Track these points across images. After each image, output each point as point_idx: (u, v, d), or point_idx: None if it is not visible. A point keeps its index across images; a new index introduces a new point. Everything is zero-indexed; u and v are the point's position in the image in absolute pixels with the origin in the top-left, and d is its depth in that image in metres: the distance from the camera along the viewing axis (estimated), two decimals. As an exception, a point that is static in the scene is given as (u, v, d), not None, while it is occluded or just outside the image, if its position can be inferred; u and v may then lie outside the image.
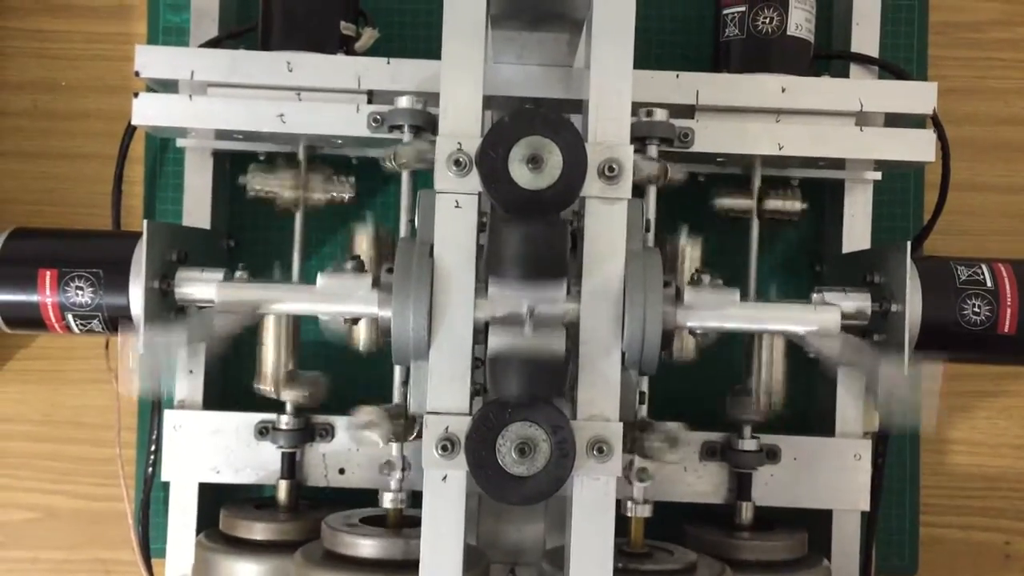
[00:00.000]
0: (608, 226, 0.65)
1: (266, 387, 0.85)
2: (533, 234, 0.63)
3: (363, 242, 0.80)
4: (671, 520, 0.86)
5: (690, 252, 0.80)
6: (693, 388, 0.87)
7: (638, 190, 0.74)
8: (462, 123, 0.65)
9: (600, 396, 0.64)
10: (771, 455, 0.88)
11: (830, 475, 0.88)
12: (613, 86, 0.66)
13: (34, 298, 0.79)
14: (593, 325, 0.65)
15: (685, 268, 0.80)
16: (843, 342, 0.71)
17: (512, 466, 0.61)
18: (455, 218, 0.65)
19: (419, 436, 0.75)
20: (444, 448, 0.63)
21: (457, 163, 0.64)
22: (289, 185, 0.86)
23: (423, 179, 0.73)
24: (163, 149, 0.96)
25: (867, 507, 0.88)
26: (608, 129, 0.65)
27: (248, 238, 0.95)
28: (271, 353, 0.85)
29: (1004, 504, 0.99)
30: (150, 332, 0.74)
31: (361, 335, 0.80)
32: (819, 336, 0.70)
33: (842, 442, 0.88)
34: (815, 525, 0.88)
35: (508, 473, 0.61)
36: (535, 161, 0.61)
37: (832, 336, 0.70)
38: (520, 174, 0.61)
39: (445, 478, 0.64)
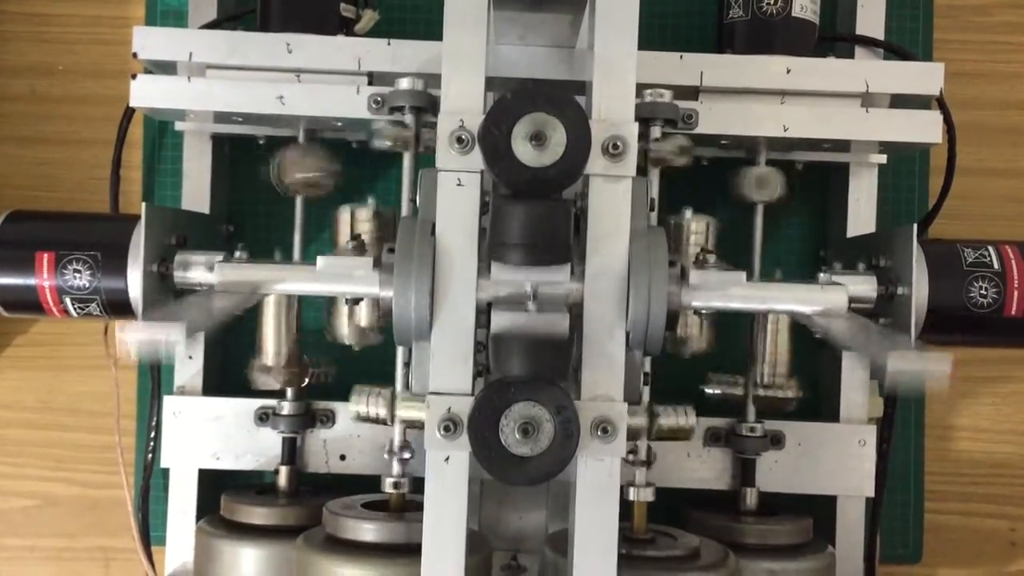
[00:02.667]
0: (612, 204, 0.64)
1: (266, 377, 0.85)
2: (536, 215, 0.62)
3: (362, 221, 0.79)
4: (674, 506, 0.85)
5: (695, 232, 0.80)
6: (698, 373, 0.87)
7: (644, 169, 0.73)
8: (464, 100, 0.65)
9: (604, 376, 0.64)
10: (775, 441, 0.87)
11: (834, 461, 0.87)
12: (617, 63, 0.65)
13: (31, 281, 0.79)
14: (597, 304, 0.64)
15: (690, 248, 0.79)
16: (849, 321, 0.70)
17: (515, 446, 0.60)
18: (457, 196, 0.64)
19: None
20: (447, 429, 0.62)
21: (459, 140, 0.64)
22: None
23: (427, 161, 0.73)
24: (162, 134, 0.95)
25: (871, 493, 0.87)
26: (612, 106, 0.65)
27: (247, 223, 0.95)
28: (271, 342, 0.84)
29: (1009, 491, 0.98)
30: (149, 321, 0.71)
31: (362, 317, 0.80)
32: (826, 316, 0.69)
33: (846, 428, 0.88)
34: (819, 511, 0.88)
35: (511, 453, 0.60)
36: (538, 138, 0.60)
37: (839, 316, 0.69)
38: (523, 151, 0.60)
39: (448, 459, 0.63)
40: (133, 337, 0.57)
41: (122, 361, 0.92)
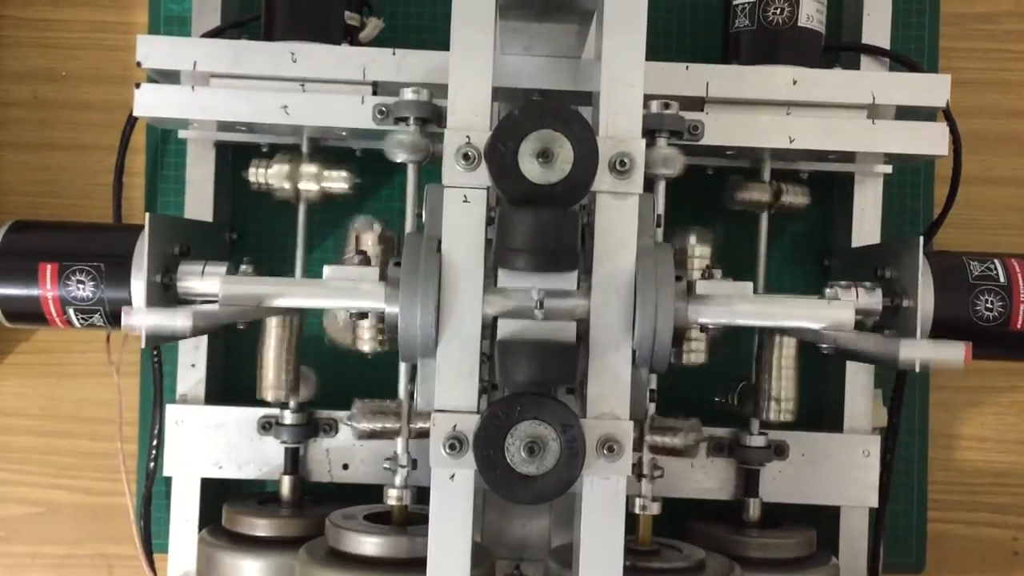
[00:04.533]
0: (619, 221, 0.64)
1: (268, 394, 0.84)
2: (543, 223, 0.61)
3: (368, 238, 0.78)
4: (677, 517, 0.85)
5: (700, 247, 0.79)
6: (703, 382, 0.86)
7: (648, 184, 0.73)
8: (471, 116, 0.64)
9: (610, 394, 0.63)
10: (779, 451, 0.87)
11: (838, 471, 0.87)
12: (624, 79, 0.65)
13: (35, 292, 0.78)
14: (603, 322, 0.64)
15: (695, 263, 0.79)
16: (855, 334, 0.70)
17: (521, 465, 0.60)
18: (463, 213, 0.64)
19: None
20: (452, 447, 0.62)
21: (466, 157, 0.63)
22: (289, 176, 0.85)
23: (429, 172, 0.72)
24: (165, 140, 0.95)
25: (875, 503, 0.87)
26: (619, 122, 0.64)
27: (251, 231, 0.94)
28: (272, 359, 0.84)
29: (1012, 500, 0.98)
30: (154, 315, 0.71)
31: (365, 335, 0.80)
32: (832, 331, 0.69)
33: (851, 438, 0.88)
34: (822, 520, 0.88)
35: (517, 472, 0.60)
36: (545, 155, 0.60)
37: (845, 331, 0.69)
38: (530, 168, 0.60)
39: (453, 477, 0.63)
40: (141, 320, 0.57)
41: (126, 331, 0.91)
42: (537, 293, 0.62)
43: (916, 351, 0.65)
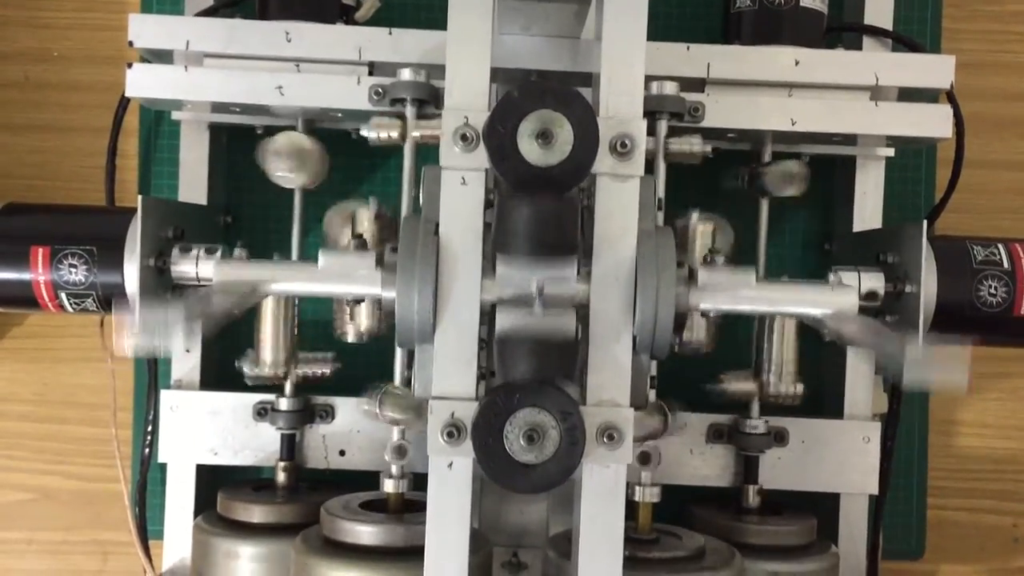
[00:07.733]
0: (619, 204, 0.63)
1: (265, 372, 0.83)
2: (542, 211, 0.60)
3: (363, 220, 0.77)
4: (676, 503, 0.84)
5: (702, 231, 0.78)
6: (701, 369, 0.86)
7: (648, 166, 0.72)
8: (469, 96, 0.63)
9: (610, 381, 0.62)
10: (779, 438, 0.86)
11: (838, 458, 0.86)
12: (625, 58, 0.63)
13: (26, 276, 0.77)
14: (604, 307, 0.63)
15: (697, 248, 0.78)
16: (860, 323, 0.69)
17: (520, 454, 0.59)
18: (461, 195, 0.63)
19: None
20: (450, 434, 0.61)
21: (464, 138, 0.62)
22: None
23: (427, 154, 0.71)
24: (158, 122, 0.94)
25: (875, 490, 0.87)
26: (620, 103, 0.63)
27: (246, 213, 0.93)
28: (269, 340, 0.83)
29: (1013, 487, 0.97)
30: (146, 309, 0.70)
31: (363, 318, 0.79)
32: (836, 318, 0.68)
33: (851, 425, 0.87)
34: (822, 506, 0.87)
35: (516, 461, 0.59)
36: (545, 136, 0.59)
37: (849, 319, 0.68)
38: (529, 150, 0.59)
39: (451, 465, 0.62)
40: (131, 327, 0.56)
41: (118, 353, 0.91)
42: (537, 284, 0.61)
43: (920, 368, 0.62)
